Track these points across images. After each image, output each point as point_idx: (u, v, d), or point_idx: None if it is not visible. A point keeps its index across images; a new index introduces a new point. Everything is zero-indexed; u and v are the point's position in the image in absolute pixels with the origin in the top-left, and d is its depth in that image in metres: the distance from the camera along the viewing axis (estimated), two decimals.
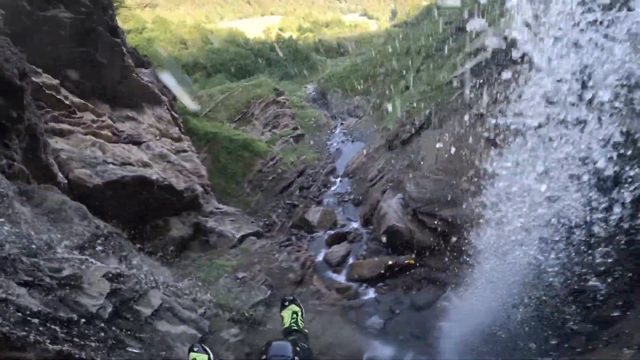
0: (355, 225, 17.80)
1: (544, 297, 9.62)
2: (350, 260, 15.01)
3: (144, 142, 12.54)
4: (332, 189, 22.86)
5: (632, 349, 6.33)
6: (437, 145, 13.45)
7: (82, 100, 10.31)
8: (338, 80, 35.55)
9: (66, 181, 7.67)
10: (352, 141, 28.81)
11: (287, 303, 4.44)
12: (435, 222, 12.24)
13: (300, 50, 43.80)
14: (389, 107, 23.73)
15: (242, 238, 13.38)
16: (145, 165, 10.88)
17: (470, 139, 12.53)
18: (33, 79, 7.92)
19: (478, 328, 9.90)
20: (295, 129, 28.69)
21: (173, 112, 17.49)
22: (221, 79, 34.18)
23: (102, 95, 11.76)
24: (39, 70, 8.23)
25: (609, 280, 7.53)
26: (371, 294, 13.34)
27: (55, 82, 8.86)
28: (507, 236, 9.48)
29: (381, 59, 32.19)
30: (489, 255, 10.32)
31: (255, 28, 60.25)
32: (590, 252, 7.66)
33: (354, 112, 32.26)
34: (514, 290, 9.81)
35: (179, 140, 15.94)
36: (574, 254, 8.13)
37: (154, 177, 10.31)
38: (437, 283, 12.20)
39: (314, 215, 18.97)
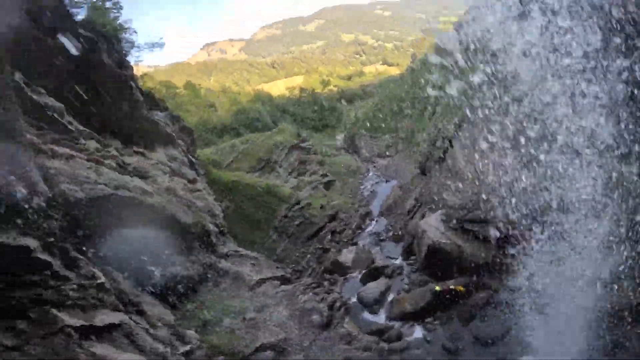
0: (396, 262, 16.56)
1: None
2: (390, 297, 13.65)
3: (151, 176, 12.79)
4: (368, 229, 21.83)
5: None
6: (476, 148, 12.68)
7: (87, 129, 10.80)
8: (364, 121, 36.20)
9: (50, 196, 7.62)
10: (387, 181, 28.12)
11: None
12: (487, 229, 11.02)
13: (323, 102, 45.78)
14: (418, 136, 23.50)
15: (262, 281, 12.85)
16: (145, 193, 10.91)
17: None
18: (34, 96, 8.43)
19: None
20: (324, 175, 28.80)
21: (190, 156, 18.17)
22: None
23: (112, 129, 12.35)
24: (42, 90, 8.78)
25: None
26: (418, 332, 11.65)
27: (60, 105, 9.40)
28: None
29: (403, 92, 32.76)
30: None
31: (279, 88, 64.57)
32: None
33: (385, 152, 32.16)
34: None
35: (193, 181, 16.29)
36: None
37: (150, 202, 10.28)
38: (505, 308, 10.63)
39: (347, 256, 17.89)
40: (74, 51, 9.97)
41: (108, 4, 12.49)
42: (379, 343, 10.85)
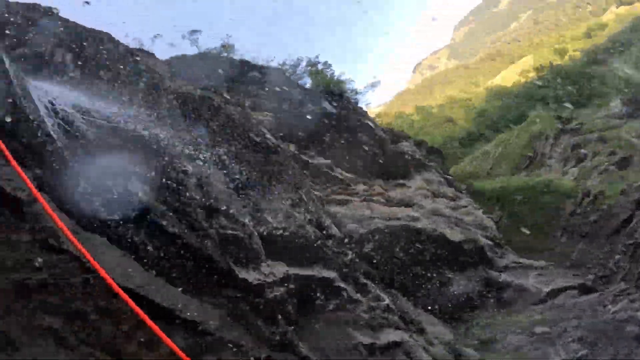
0: None
1: None
2: None
3: (415, 203, 13.64)
4: None
5: None
6: None
7: (354, 176, 12.78)
8: None
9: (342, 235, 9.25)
10: None
11: None
12: None
13: (572, 72, 37.45)
14: None
15: (554, 292, 11.26)
16: (413, 219, 11.68)
17: None
18: (309, 160, 10.79)
19: None
20: (613, 153, 23.21)
21: (445, 175, 18.49)
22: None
23: (372, 170, 14.14)
24: (312, 153, 11.21)
25: None
26: None
27: (327, 162, 11.68)
28: None
29: None
30: None
31: (510, 77, 57.08)
32: None
33: None
34: None
35: (454, 199, 16.45)
36: None
37: (419, 226, 10.88)
38: None
39: None
40: (314, 116, 12.30)
41: (320, 66, 14.85)
42: None
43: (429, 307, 9.64)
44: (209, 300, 4.31)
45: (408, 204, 13.38)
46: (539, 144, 23.99)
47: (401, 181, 14.78)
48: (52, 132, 4.21)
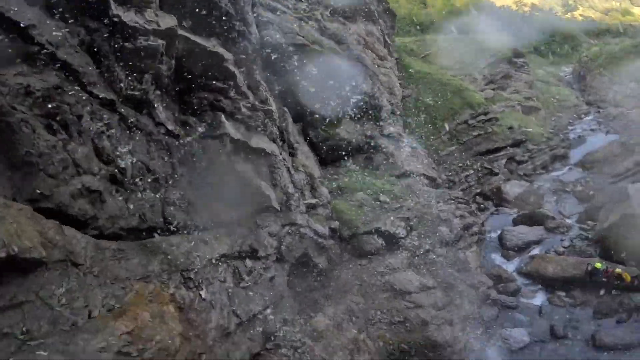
0: (567, 220, 14.15)
1: None
2: (535, 251, 12.13)
3: (345, 43, 13.23)
4: (555, 173, 18.90)
5: None
6: None
7: None
8: (608, 58, 28.59)
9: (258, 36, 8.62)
10: (606, 133, 22.63)
11: None
12: None
13: (559, 27, 37.31)
14: None
15: (411, 173, 12.59)
16: (335, 53, 11.66)
17: None
18: None
19: None
20: (529, 98, 25.08)
21: (386, 37, 17.92)
22: None
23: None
24: None
25: None
26: (538, 299, 10.41)
27: None
28: None
29: None
30: None
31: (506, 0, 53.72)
32: None
33: (623, 101, 25.36)
34: None
35: (383, 58, 16.45)
36: None
37: (337, 61, 10.94)
38: None
39: (513, 189, 16.12)
40: None
41: None
42: (489, 288, 10.14)
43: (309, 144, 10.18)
44: (67, 25, 3.91)
45: (339, 41, 13.02)
46: (481, 57, 24.52)
47: (343, 20, 14.04)
48: None
